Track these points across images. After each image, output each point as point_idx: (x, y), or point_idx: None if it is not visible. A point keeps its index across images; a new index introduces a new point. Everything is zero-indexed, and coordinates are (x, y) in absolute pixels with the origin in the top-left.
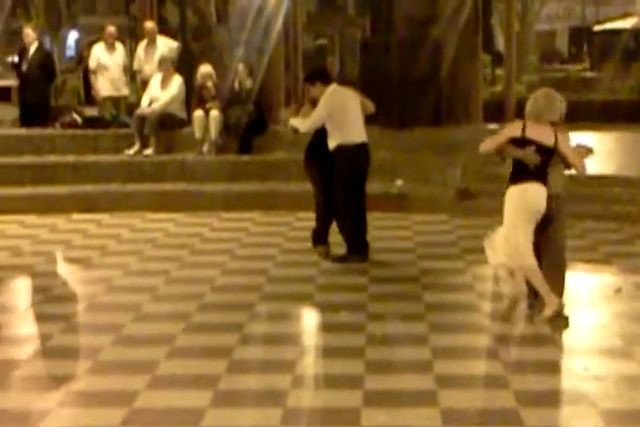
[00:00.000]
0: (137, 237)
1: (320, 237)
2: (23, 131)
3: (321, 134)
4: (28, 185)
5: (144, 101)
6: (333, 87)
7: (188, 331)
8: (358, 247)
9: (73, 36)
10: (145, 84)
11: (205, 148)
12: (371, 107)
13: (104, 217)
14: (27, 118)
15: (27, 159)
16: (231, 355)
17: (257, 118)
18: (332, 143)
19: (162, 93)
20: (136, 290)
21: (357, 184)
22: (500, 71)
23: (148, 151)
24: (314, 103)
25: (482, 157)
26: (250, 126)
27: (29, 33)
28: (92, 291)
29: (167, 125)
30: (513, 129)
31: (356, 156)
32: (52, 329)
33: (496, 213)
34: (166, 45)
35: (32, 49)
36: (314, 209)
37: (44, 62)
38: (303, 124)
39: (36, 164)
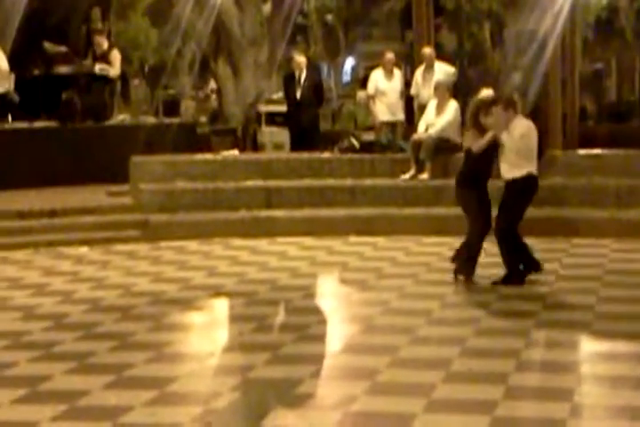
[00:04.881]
0: (412, 261)
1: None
2: (304, 155)
3: (472, 163)
4: (307, 208)
5: (420, 126)
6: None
7: (463, 355)
8: (517, 276)
9: (349, 63)
10: (422, 109)
11: None
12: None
13: (380, 240)
14: (297, 143)
15: (306, 182)
16: (507, 381)
17: None
18: (518, 172)
19: (437, 119)
20: (412, 313)
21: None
22: None
23: (424, 176)
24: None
25: None
26: None
27: (299, 60)
28: (369, 313)
29: (443, 150)
30: None
31: (534, 187)
32: (328, 349)
33: None
34: (443, 71)
35: (303, 75)
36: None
37: (316, 88)
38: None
39: (315, 187)
